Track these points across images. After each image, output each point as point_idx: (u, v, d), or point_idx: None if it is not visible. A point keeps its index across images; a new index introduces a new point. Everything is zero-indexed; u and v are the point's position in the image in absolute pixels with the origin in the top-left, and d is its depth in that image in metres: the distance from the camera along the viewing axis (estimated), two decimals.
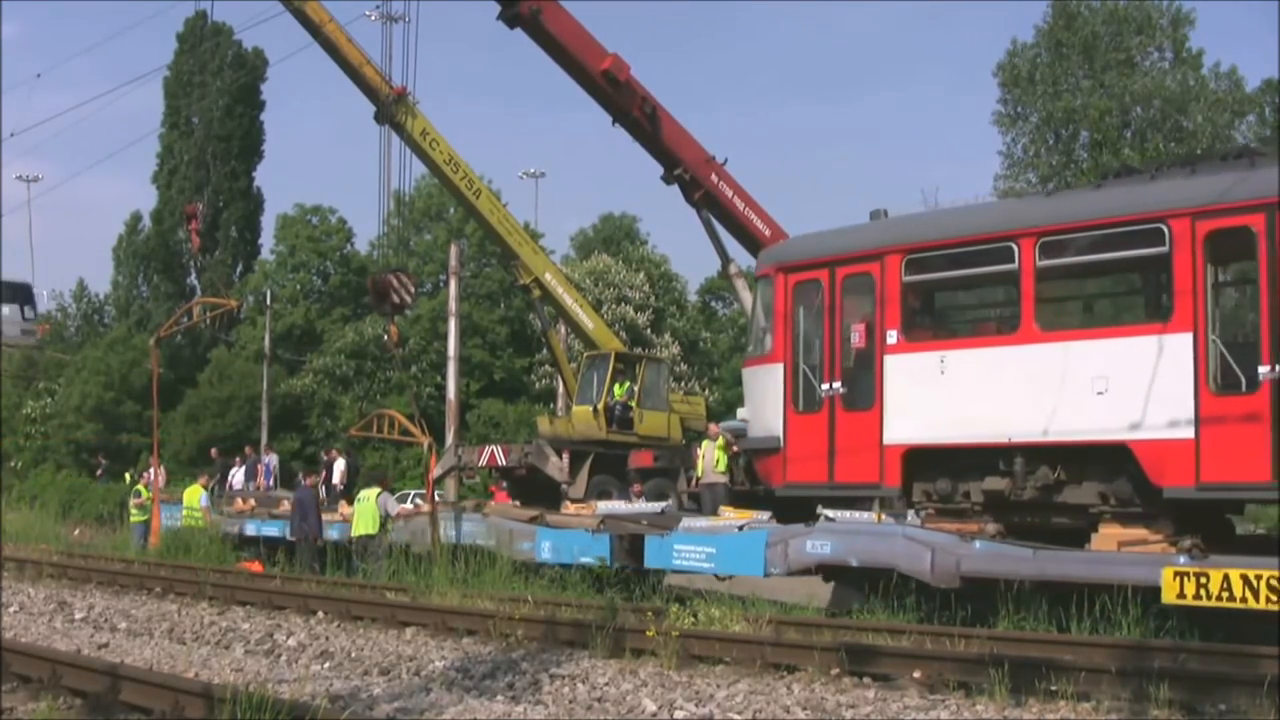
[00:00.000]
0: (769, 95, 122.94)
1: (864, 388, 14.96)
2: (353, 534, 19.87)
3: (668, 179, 23.74)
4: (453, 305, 31.71)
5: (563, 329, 28.25)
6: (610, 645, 11.29)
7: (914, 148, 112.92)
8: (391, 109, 23.38)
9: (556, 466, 23.87)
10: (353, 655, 11.78)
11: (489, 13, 22.14)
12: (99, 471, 43.21)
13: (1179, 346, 12.54)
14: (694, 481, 21.93)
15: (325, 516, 22.21)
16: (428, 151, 24.22)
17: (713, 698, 9.43)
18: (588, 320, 26.37)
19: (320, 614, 14.62)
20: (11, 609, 15.50)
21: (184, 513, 24.86)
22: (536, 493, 23.20)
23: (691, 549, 15.86)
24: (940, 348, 14.56)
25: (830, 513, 14.92)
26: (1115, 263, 14.41)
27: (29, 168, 68.43)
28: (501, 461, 24.83)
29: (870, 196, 42.98)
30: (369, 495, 19.78)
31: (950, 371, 14.16)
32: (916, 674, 9.92)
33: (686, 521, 16.80)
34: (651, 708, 9.17)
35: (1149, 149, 38.20)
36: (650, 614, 12.34)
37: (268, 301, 51.35)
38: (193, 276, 59.33)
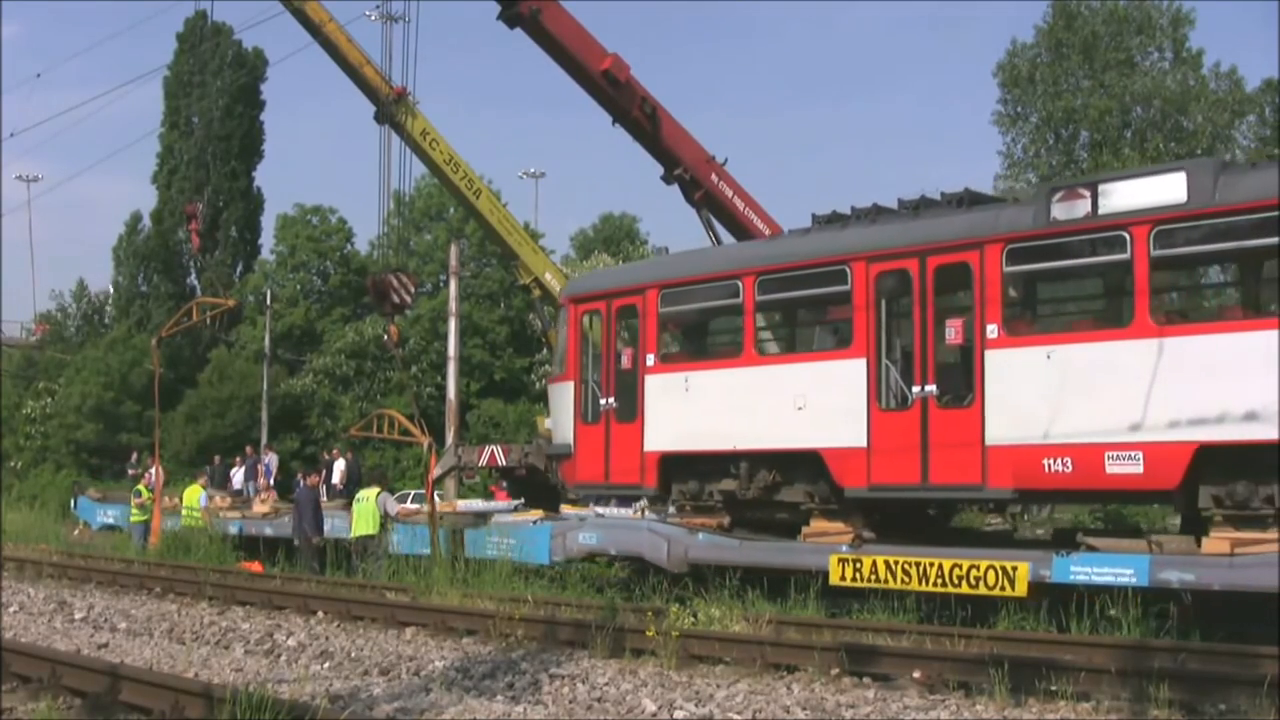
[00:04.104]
0: (769, 95, 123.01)
1: (630, 403, 17.22)
2: (352, 534, 19.85)
3: (668, 179, 23.73)
4: (453, 305, 31.65)
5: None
6: (610, 645, 11.29)
7: (914, 148, 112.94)
8: (391, 109, 23.39)
9: None
10: (353, 655, 11.77)
11: (489, 13, 22.17)
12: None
13: (856, 370, 14.73)
14: None
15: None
16: (428, 151, 24.21)
17: (713, 698, 9.43)
18: None
19: (320, 614, 14.62)
20: (11, 609, 15.51)
21: (184, 512, 24.86)
22: (537, 493, 23.16)
23: (500, 540, 18.49)
24: (685, 369, 16.86)
25: (600, 509, 17.72)
26: (813, 298, 16.59)
27: (29, 168, 68.41)
28: (501, 461, 24.77)
29: (870, 197, 42.88)
30: (369, 495, 19.76)
31: (692, 390, 16.51)
32: (916, 674, 9.93)
33: (497, 517, 19.99)
34: (651, 708, 9.17)
35: (1149, 149, 38.15)
36: (650, 614, 12.33)
37: (268, 301, 51.34)
38: (193, 276, 59.34)
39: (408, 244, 51.13)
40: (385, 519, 19.69)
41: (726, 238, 23.86)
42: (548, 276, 25.71)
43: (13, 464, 51.90)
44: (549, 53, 22.66)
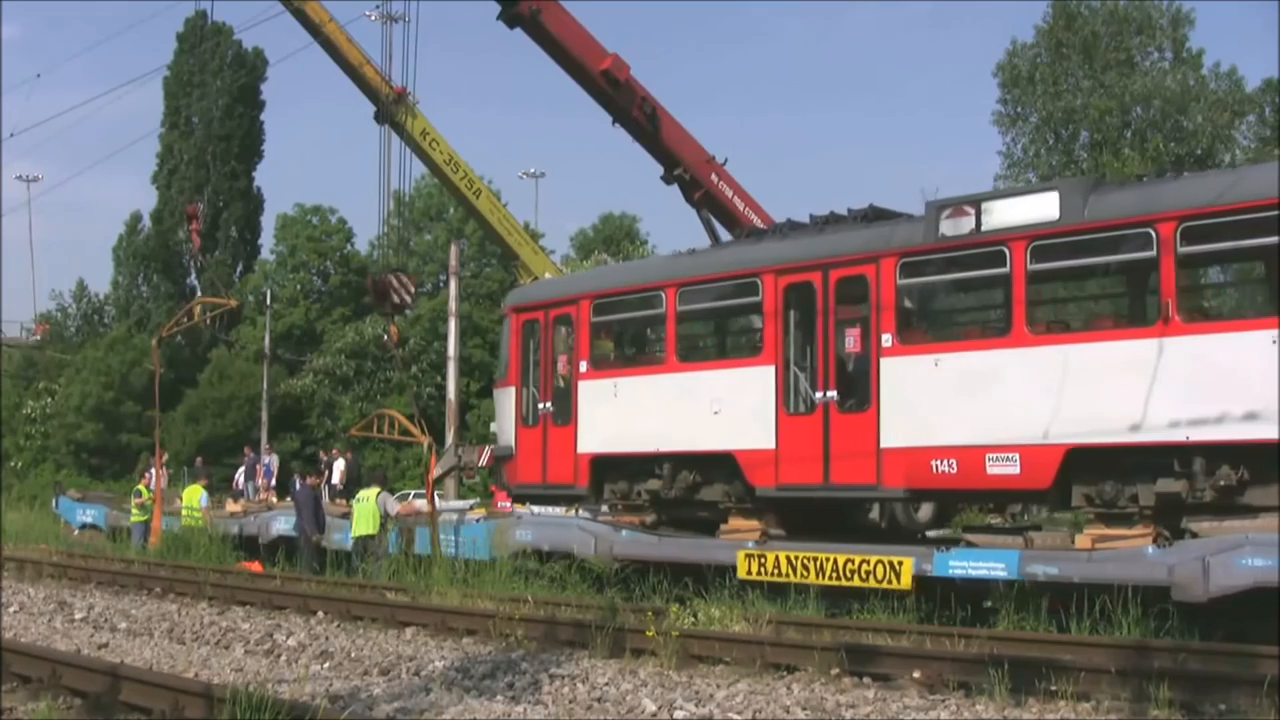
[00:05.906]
0: (769, 96, 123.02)
1: (565, 407, 18.00)
2: (352, 534, 19.86)
3: (668, 179, 23.76)
4: (453, 305, 31.70)
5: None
6: (610, 645, 11.29)
7: (915, 148, 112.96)
8: (391, 109, 23.44)
9: None
10: (353, 655, 11.77)
11: (489, 13, 22.19)
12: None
13: (766, 376, 15.45)
14: None
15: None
16: (428, 151, 24.25)
17: (713, 698, 9.43)
18: None
19: (320, 614, 14.62)
20: (11, 609, 15.50)
21: (184, 512, 24.84)
22: None
23: (445, 538, 19.38)
24: (615, 375, 17.61)
25: (536, 508, 19.19)
26: (728, 308, 17.51)
27: (29, 168, 68.91)
28: None
29: (870, 197, 42.92)
30: (369, 495, 19.76)
31: (621, 395, 17.24)
32: (916, 674, 9.93)
33: (444, 516, 20.68)
34: (651, 708, 9.17)
35: (1149, 149, 38.17)
36: (650, 614, 12.33)
37: (268, 301, 51.37)
38: (193, 276, 59.40)
39: (408, 244, 51.19)
40: (385, 519, 19.71)
41: (726, 238, 23.89)
42: (548, 276, 25.71)
43: (13, 464, 51.94)
44: (549, 53, 22.68)
